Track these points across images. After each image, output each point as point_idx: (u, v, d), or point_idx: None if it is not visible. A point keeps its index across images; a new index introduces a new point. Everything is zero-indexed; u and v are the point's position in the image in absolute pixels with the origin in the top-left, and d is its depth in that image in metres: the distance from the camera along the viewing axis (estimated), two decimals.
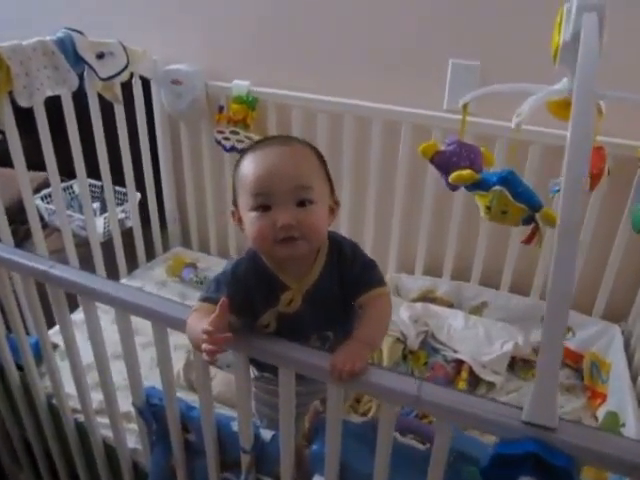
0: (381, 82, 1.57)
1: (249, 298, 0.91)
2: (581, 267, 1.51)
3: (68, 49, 1.44)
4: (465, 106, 1.05)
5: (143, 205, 1.92)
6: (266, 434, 1.06)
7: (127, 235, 1.89)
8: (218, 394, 1.40)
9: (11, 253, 1.10)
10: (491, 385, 1.41)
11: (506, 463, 0.75)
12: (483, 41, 1.43)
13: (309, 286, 0.92)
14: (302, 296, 0.92)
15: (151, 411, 1.14)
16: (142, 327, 1.51)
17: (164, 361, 1.04)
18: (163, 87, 1.75)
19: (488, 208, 0.85)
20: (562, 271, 0.68)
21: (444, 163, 1.04)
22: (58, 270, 1.05)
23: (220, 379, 1.43)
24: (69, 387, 1.26)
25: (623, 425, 1.20)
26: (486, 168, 1.09)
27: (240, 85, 1.67)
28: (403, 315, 1.54)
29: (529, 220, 0.87)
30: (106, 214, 1.84)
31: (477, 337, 1.51)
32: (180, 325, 0.97)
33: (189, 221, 2.01)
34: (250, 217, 0.85)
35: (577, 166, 0.66)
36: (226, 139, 1.72)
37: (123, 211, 1.91)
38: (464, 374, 1.41)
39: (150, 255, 1.98)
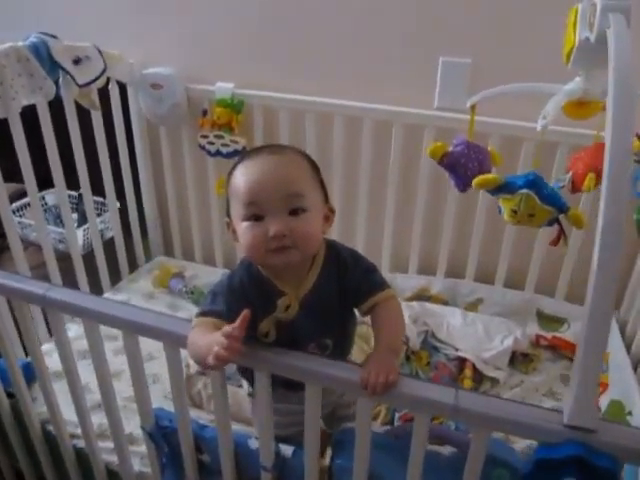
0: (371, 81, 1.55)
1: (246, 307, 0.87)
2: (574, 259, 1.54)
3: (43, 55, 1.36)
4: (473, 106, 1.04)
5: (122, 214, 1.84)
6: (287, 450, 1.03)
7: (107, 246, 1.82)
8: None
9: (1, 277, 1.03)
10: (494, 381, 1.42)
11: (548, 467, 0.75)
12: (473, 39, 1.43)
13: (305, 292, 0.91)
14: (299, 302, 0.91)
15: (161, 434, 1.09)
16: None
17: (177, 383, 1.00)
18: (142, 92, 1.68)
19: (514, 212, 0.85)
20: (605, 274, 0.68)
21: (453, 164, 1.03)
22: (56, 293, 0.99)
23: None
24: (64, 411, 1.20)
25: (630, 414, 1.22)
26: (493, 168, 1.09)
27: (224, 88, 1.61)
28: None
29: (552, 221, 0.87)
30: (85, 225, 1.76)
31: (477, 334, 1.52)
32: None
33: (171, 229, 1.95)
34: (243, 227, 0.85)
35: (619, 167, 0.65)
36: (210, 144, 1.66)
37: (102, 222, 1.84)
38: (468, 372, 1.42)
39: (132, 266, 1.91)
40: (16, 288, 1.01)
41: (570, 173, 1.09)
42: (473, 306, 1.65)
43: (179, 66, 1.67)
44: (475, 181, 0.89)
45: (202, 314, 0.88)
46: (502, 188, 0.86)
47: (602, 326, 0.70)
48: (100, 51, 1.52)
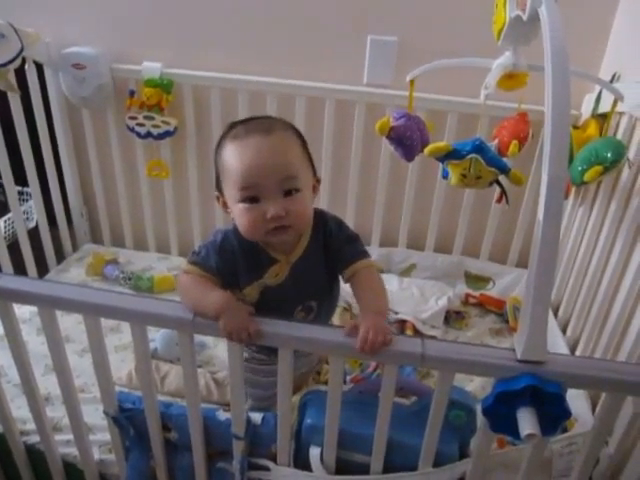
0: (302, 59, 1.58)
1: (235, 269, 0.94)
2: (496, 223, 1.68)
3: None
4: (412, 81, 1.11)
5: (44, 203, 1.75)
6: (256, 417, 1.06)
7: (29, 238, 1.72)
8: (176, 389, 1.36)
9: None
10: (433, 339, 1.53)
11: (506, 399, 0.84)
12: (400, 18, 1.50)
13: (296, 259, 0.96)
14: (289, 268, 0.96)
15: (126, 416, 1.09)
16: (73, 334, 1.44)
17: (144, 363, 1.00)
18: (63, 72, 1.60)
19: (463, 175, 0.93)
20: (550, 223, 0.76)
21: (400, 137, 1.10)
22: (7, 281, 0.95)
23: (175, 374, 1.39)
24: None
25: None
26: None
27: (151, 67, 1.58)
28: (342, 284, 1.60)
29: (492, 182, 0.96)
30: (6, 216, 1.66)
31: (413, 297, 1.62)
32: (160, 322, 0.94)
33: (99, 216, 1.88)
34: (239, 208, 0.88)
35: (560, 131, 0.74)
36: (140, 125, 1.62)
37: (23, 212, 1.73)
38: (409, 332, 1.52)
39: (58, 257, 1.83)
40: None
41: (496, 140, 1.20)
42: (407, 272, 1.75)
43: (101, 45, 1.60)
44: (427, 149, 0.96)
45: (194, 264, 0.92)
46: (451, 154, 0.94)
47: (548, 270, 0.79)
48: (15, 29, 1.43)
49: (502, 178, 0.99)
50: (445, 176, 1.01)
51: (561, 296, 1.55)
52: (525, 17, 0.86)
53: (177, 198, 1.81)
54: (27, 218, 1.77)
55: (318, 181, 0.96)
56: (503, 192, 0.98)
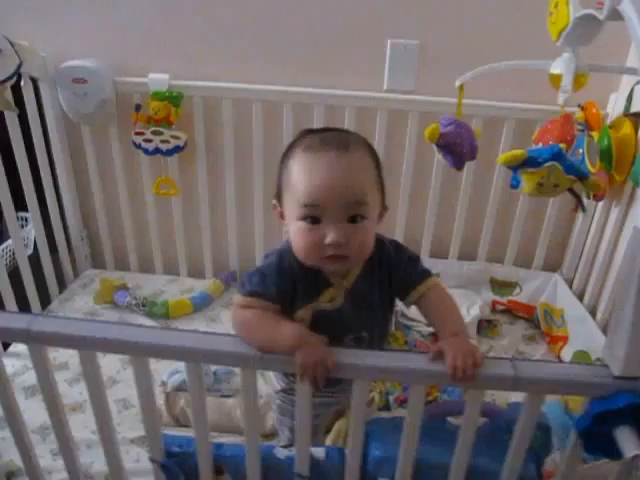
0: (319, 65, 1.51)
1: (293, 290, 0.88)
2: (521, 226, 1.64)
3: None
4: (461, 86, 1.05)
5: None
6: (319, 452, 0.99)
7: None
8: (211, 423, 1.27)
9: None
10: None
11: (604, 419, 0.79)
12: (421, 20, 1.45)
13: (350, 284, 0.90)
14: (344, 293, 0.89)
15: (174, 462, 0.99)
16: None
17: (199, 402, 0.91)
18: (62, 88, 1.48)
19: (540, 184, 0.88)
20: None
21: (449, 144, 1.04)
22: (42, 324, 0.85)
23: (209, 407, 1.29)
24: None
25: (598, 360, 1.34)
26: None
27: (158, 79, 1.48)
28: None
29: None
30: (4, 244, 1.53)
31: None
32: (223, 360, 0.87)
33: (100, 239, 1.76)
34: (297, 226, 0.81)
35: None
36: (147, 141, 1.53)
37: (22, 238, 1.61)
38: None
39: (60, 284, 1.70)
40: None
41: (540, 145, 1.16)
42: None
43: (103, 58, 1.50)
44: (501, 158, 0.91)
45: (252, 294, 0.84)
46: (526, 162, 0.89)
47: None
48: (12, 43, 1.32)
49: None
50: (514, 185, 0.95)
51: (597, 297, 1.52)
52: (602, 16, 0.81)
53: (186, 217, 1.71)
54: (25, 245, 1.64)
55: (385, 209, 0.89)
56: (579, 200, 0.94)
